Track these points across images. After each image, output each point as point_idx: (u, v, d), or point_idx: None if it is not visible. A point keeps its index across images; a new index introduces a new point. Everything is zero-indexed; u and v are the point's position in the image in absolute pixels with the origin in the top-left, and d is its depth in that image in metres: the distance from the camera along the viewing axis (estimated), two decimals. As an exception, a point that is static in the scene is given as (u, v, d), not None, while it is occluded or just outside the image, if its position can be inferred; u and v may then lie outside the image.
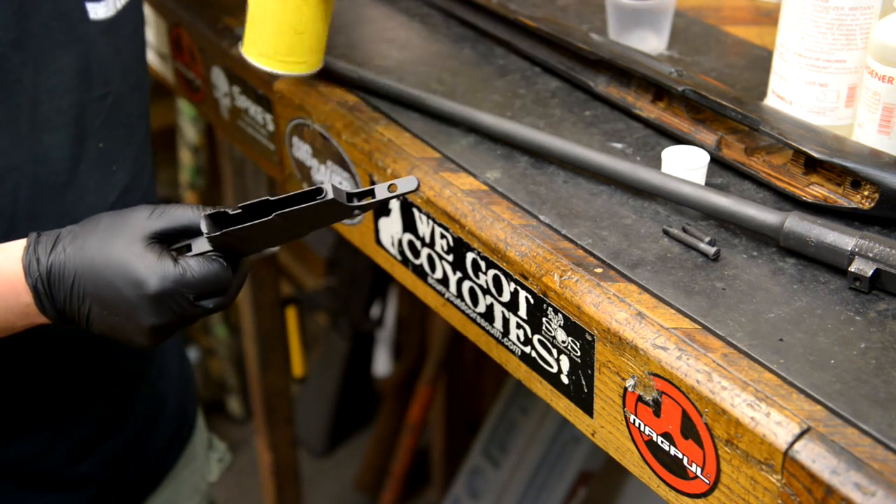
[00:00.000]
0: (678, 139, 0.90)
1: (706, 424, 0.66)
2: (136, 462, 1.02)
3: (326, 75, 1.03)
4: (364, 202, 0.74)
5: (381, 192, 0.74)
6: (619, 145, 0.91)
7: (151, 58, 1.36)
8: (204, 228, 0.73)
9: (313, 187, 0.73)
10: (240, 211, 0.73)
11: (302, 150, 1.04)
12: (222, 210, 0.74)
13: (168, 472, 1.08)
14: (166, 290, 0.72)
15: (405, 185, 0.74)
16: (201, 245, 0.75)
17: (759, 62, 1.04)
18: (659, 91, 0.93)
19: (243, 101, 1.13)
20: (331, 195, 0.72)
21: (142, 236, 0.73)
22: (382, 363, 2.40)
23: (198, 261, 0.73)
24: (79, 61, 0.85)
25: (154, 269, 0.72)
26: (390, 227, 0.94)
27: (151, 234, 0.73)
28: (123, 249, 0.72)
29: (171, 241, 0.74)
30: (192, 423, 1.13)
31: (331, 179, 1.01)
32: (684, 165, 0.82)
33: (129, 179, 0.92)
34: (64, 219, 0.85)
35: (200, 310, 0.74)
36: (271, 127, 1.09)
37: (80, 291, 0.73)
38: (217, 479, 1.20)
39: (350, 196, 0.74)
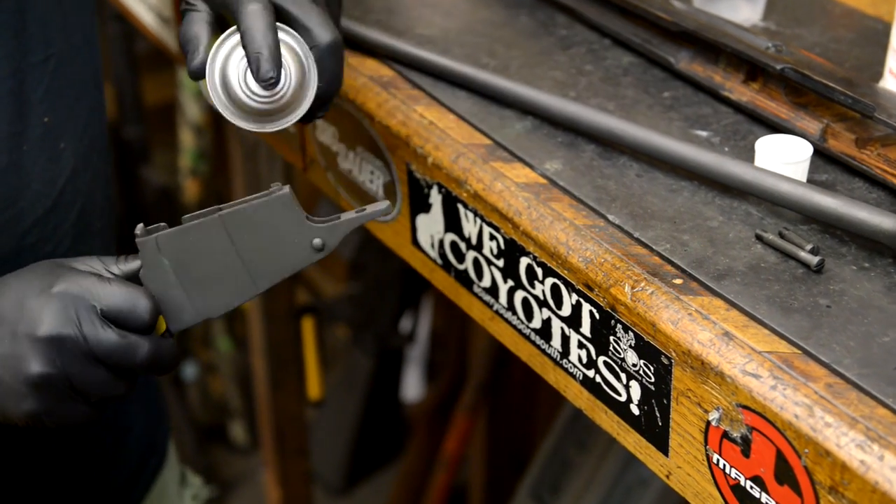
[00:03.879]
0: (775, 127, 0.89)
1: (806, 468, 0.65)
2: (93, 499, 1.03)
3: (357, 45, 1.04)
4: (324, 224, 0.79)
5: (347, 216, 0.79)
6: (703, 133, 0.91)
7: (150, 21, 1.37)
8: (137, 231, 0.77)
9: None
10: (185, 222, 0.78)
11: (327, 133, 1.05)
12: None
13: None
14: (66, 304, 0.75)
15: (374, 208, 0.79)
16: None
17: (874, 36, 1.03)
18: (752, 69, 0.92)
19: (259, 75, 1.13)
20: (286, 191, 0.77)
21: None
22: (413, 386, 2.41)
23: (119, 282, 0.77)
24: (13, 21, 0.84)
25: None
26: (430, 225, 0.95)
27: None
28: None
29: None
30: (162, 455, 1.14)
31: (361, 167, 1.01)
32: (782, 158, 0.82)
33: (78, 159, 0.91)
34: (8, 209, 0.85)
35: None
36: (291, 105, 1.09)
37: None
38: None
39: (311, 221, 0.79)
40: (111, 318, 0.75)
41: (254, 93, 0.78)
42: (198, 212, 0.78)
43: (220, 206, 0.78)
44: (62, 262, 0.78)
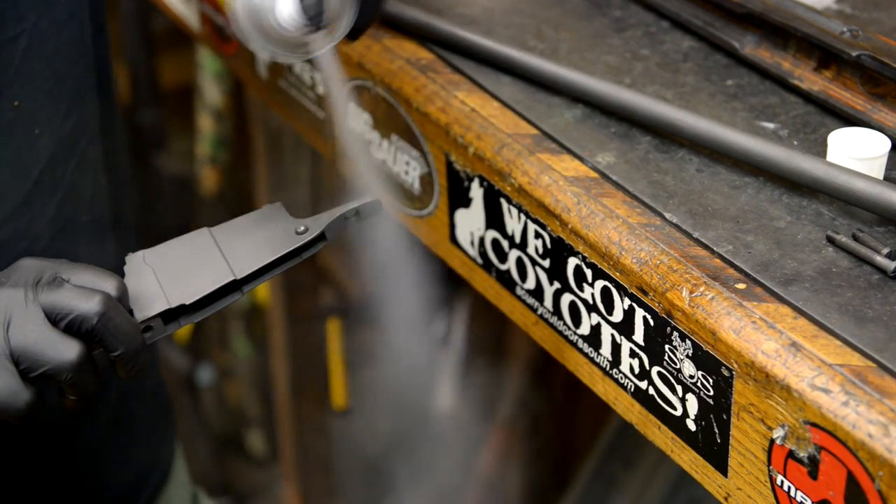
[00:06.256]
0: (849, 119, 0.89)
1: (880, 492, 0.65)
2: None
3: (394, 25, 1.04)
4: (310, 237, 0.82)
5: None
6: (770, 125, 0.90)
7: (171, -2, 1.38)
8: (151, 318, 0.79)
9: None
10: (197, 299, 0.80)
11: (360, 120, 1.05)
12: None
13: None
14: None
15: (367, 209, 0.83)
16: None
17: (958, 21, 1.02)
18: (825, 56, 0.92)
19: (287, 56, 1.14)
20: (278, 203, 0.82)
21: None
22: (446, 395, 2.41)
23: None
24: None
25: None
26: (470, 221, 0.95)
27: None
28: None
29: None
30: (166, 470, 1.14)
31: (395, 157, 1.02)
32: (857, 153, 0.81)
33: (57, 145, 0.90)
34: None
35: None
36: (321, 89, 1.10)
37: None
38: None
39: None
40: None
41: (284, 21, 0.79)
42: (213, 290, 0.82)
43: (237, 279, 0.81)
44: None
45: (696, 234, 0.79)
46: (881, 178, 0.82)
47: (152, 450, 1.11)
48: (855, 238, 0.78)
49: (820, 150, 0.86)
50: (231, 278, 0.80)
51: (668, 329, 0.77)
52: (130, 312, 0.77)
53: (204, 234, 0.83)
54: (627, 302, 0.81)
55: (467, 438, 2.15)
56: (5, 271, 0.77)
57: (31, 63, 0.87)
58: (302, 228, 0.81)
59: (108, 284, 0.76)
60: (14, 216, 0.87)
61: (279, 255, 0.81)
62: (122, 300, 0.76)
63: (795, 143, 0.88)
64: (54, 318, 0.74)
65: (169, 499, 1.14)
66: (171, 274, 0.81)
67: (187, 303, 0.79)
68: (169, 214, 2.38)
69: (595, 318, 0.85)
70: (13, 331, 0.73)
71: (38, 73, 0.88)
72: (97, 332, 0.74)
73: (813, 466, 0.69)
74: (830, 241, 0.78)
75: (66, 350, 0.73)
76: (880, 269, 0.75)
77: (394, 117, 1.00)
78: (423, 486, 2.35)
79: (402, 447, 2.37)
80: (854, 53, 0.87)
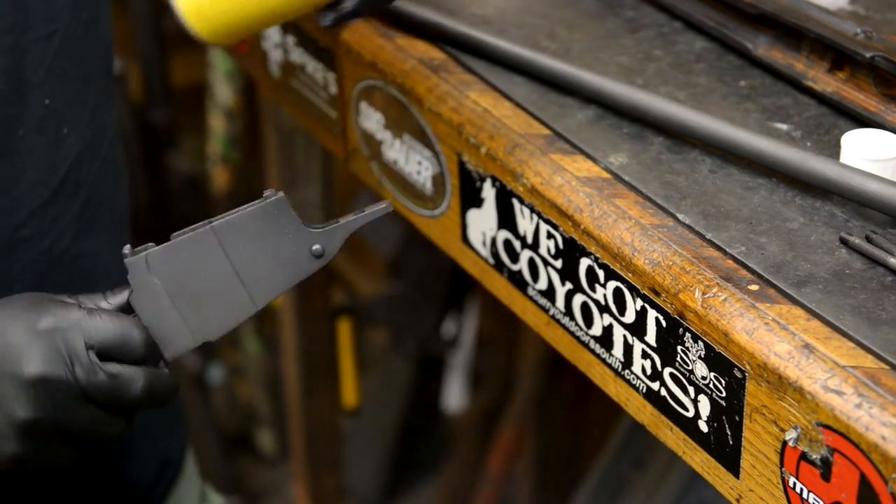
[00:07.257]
0: (863, 121, 0.89)
1: (893, 494, 0.65)
2: None
3: (406, 25, 1.04)
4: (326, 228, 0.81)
5: (346, 219, 0.82)
6: (783, 126, 0.90)
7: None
8: (125, 251, 0.79)
9: None
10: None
11: (372, 120, 1.06)
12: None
13: None
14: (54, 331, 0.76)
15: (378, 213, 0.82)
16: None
17: (972, 22, 1.02)
18: (839, 57, 0.92)
19: (299, 56, 1.14)
20: (281, 196, 0.80)
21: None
22: (456, 395, 2.41)
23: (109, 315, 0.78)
24: None
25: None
26: (482, 221, 0.95)
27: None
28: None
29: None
30: (178, 466, 1.15)
31: (407, 157, 1.02)
32: (870, 155, 0.81)
33: (83, 145, 0.91)
34: (2, 197, 0.86)
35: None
36: (334, 89, 1.10)
37: None
38: None
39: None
40: (103, 354, 0.77)
41: None
42: (188, 227, 0.81)
43: (212, 218, 0.81)
44: (45, 295, 0.79)
45: (708, 236, 0.79)
46: (895, 179, 0.82)
47: (166, 446, 1.12)
48: (868, 240, 0.77)
49: (833, 151, 0.85)
50: (253, 311, 0.81)
51: (681, 330, 0.77)
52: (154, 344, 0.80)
53: (209, 237, 0.80)
54: (640, 303, 0.80)
55: (477, 438, 2.15)
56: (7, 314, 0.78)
57: (62, 63, 0.88)
58: (317, 248, 0.81)
59: (135, 339, 0.78)
60: (39, 213, 0.88)
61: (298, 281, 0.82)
62: (149, 347, 0.79)
63: (809, 144, 0.88)
64: (99, 402, 0.77)
65: (181, 494, 1.15)
66: (185, 297, 0.80)
67: (212, 339, 0.81)
68: (180, 213, 2.38)
69: (607, 319, 0.85)
70: (62, 416, 0.76)
71: (67, 73, 0.89)
72: (142, 406, 0.79)
73: (825, 468, 0.69)
74: (844, 242, 0.78)
75: (115, 426, 0.79)
76: (894, 272, 0.75)
77: (406, 117, 1.00)
78: (433, 485, 2.36)
79: (413, 447, 2.38)
80: (868, 55, 0.87)
